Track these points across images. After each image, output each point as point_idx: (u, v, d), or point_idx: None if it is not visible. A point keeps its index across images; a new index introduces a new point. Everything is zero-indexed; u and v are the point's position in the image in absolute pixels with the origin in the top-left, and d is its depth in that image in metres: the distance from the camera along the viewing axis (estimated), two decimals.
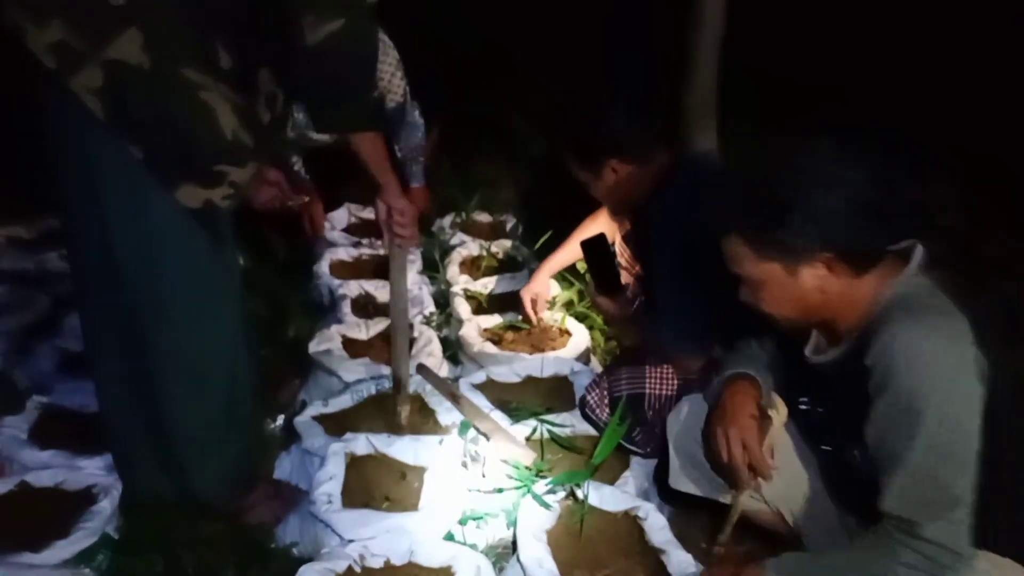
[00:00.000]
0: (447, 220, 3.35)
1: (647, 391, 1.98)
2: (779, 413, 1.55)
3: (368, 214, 3.22)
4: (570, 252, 2.51)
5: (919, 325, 1.26)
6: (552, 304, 2.62)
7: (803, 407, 1.63)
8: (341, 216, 3.30)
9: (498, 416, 2.03)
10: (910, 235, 1.38)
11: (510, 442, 1.92)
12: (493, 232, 3.32)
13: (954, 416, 1.24)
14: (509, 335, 2.50)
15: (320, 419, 2.07)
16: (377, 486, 1.82)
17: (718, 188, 1.66)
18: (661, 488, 1.88)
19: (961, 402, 1.24)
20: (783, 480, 1.61)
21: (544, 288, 2.53)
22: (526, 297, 2.49)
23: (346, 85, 1.56)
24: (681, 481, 1.77)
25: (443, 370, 2.38)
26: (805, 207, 1.29)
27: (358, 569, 1.57)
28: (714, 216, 1.41)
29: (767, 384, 1.61)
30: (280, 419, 2.26)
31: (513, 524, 1.74)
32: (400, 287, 1.95)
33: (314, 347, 2.35)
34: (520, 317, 2.54)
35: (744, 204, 1.36)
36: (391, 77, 3.18)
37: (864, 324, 1.33)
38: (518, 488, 1.82)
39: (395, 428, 2.03)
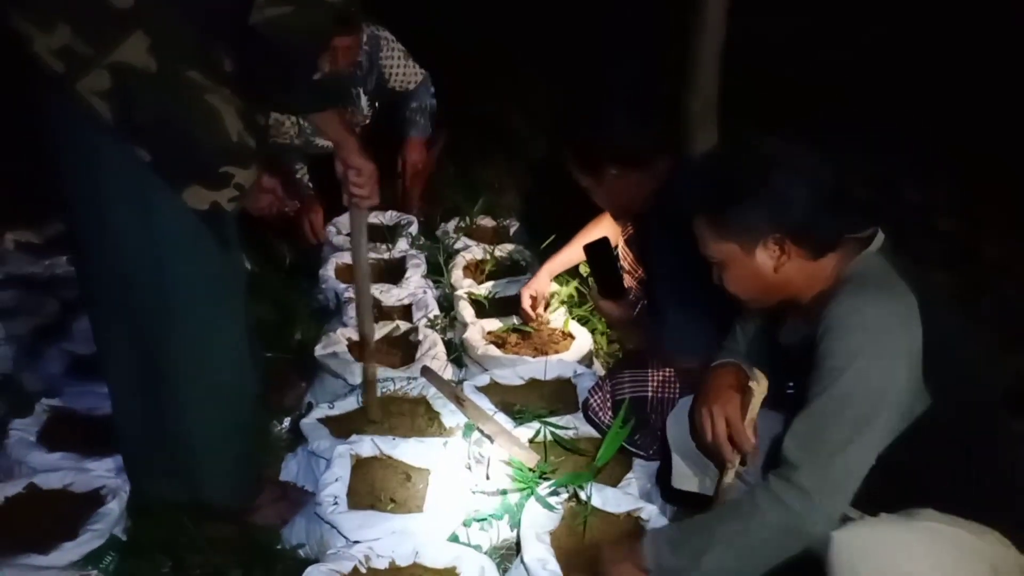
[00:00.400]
0: (451, 225, 3.36)
1: (650, 394, 1.99)
2: (759, 384, 1.58)
3: (372, 218, 3.25)
4: (572, 254, 2.53)
5: (860, 297, 1.32)
6: (550, 302, 2.63)
7: (790, 392, 1.66)
8: (346, 221, 3.31)
9: (502, 418, 2.05)
10: (873, 224, 1.43)
11: (514, 444, 1.94)
12: (497, 236, 3.34)
13: (869, 378, 1.28)
14: (512, 338, 2.51)
15: (326, 421, 2.08)
16: (382, 488, 1.83)
17: (688, 172, 1.73)
18: (664, 489, 1.90)
19: (880, 368, 1.28)
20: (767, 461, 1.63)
21: (544, 287, 2.55)
22: (525, 296, 2.51)
23: (284, 69, 1.54)
24: (683, 480, 1.78)
25: (447, 373, 2.39)
26: (758, 191, 1.37)
27: (363, 570, 1.58)
28: (682, 198, 1.49)
29: (749, 367, 1.65)
30: (286, 421, 2.28)
31: (517, 525, 1.75)
32: (360, 246, 1.93)
33: (320, 350, 2.36)
34: (521, 320, 2.56)
35: (704, 185, 1.44)
36: (403, 68, 3.22)
37: (822, 304, 1.37)
38: (522, 490, 1.84)
39: (366, 385, 2.05)
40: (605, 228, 2.37)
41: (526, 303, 2.50)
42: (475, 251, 3.07)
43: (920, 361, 1.28)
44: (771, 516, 1.32)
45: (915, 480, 1.33)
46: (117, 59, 1.41)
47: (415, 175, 3.45)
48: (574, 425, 2.04)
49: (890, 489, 1.33)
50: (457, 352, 2.53)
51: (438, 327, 2.62)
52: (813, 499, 1.29)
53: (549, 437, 2.00)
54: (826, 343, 1.31)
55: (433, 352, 2.38)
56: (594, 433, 2.03)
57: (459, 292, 2.75)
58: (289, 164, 3.12)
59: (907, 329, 1.28)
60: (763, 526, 1.33)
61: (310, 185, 3.19)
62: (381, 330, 2.49)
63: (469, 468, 1.94)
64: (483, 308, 2.71)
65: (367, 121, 3.30)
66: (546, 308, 2.61)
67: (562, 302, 2.68)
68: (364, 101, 3.22)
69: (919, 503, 1.32)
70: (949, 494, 1.32)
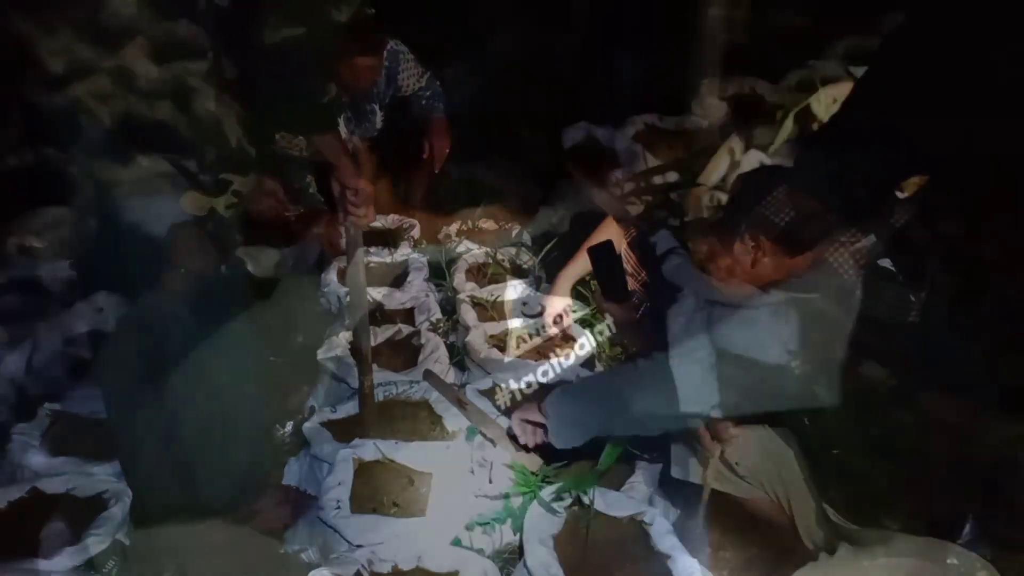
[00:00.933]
0: (453, 228, 3.37)
1: None
2: None
3: (375, 222, 3.25)
4: (585, 261, 2.50)
5: (806, 287, 1.50)
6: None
7: None
8: None
9: (504, 422, 2.04)
10: (864, 224, 1.60)
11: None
12: (499, 239, 3.34)
13: (772, 340, 1.46)
14: (515, 341, 2.51)
15: (328, 425, 2.08)
16: (385, 492, 1.83)
17: None
18: (665, 480, 1.89)
19: (787, 337, 1.45)
20: (755, 453, 1.64)
21: (568, 303, 2.51)
22: (550, 316, 2.46)
23: (292, 87, 1.56)
24: (680, 471, 1.78)
25: (449, 376, 2.39)
26: (738, 196, 1.58)
27: (366, 574, 1.58)
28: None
29: None
30: (289, 425, 2.28)
31: (520, 529, 1.75)
32: (356, 262, 1.94)
33: (322, 354, 2.36)
34: (533, 328, 2.53)
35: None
36: (418, 79, 3.24)
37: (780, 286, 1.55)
38: (524, 493, 1.83)
39: (362, 398, 2.05)
40: (610, 232, 2.36)
41: (550, 321, 2.48)
42: (477, 254, 3.07)
43: (837, 354, 1.41)
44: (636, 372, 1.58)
45: (898, 497, 1.37)
46: (117, 64, 1.42)
47: (442, 158, 3.44)
48: None
49: (872, 505, 1.36)
50: (459, 356, 2.53)
51: (440, 330, 2.62)
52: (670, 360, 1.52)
53: None
54: (753, 306, 1.47)
55: (435, 356, 2.38)
56: None
57: (461, 295, 2.75)
58: (298, 174, 3.13)
59: (834, 323, 1.41)
60: (628, 380, 1.60)
61: (320, 196, 3.19)
62: (383, 333, 2.49)
63: (472, 472, 1.93)
64: (485, 311, 2.71)
65: (376, 133, 3.32)
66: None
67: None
68: (379, 116, 3.24)
69: (901, 519, 1.34)
70: (930, 513, 1.34)
